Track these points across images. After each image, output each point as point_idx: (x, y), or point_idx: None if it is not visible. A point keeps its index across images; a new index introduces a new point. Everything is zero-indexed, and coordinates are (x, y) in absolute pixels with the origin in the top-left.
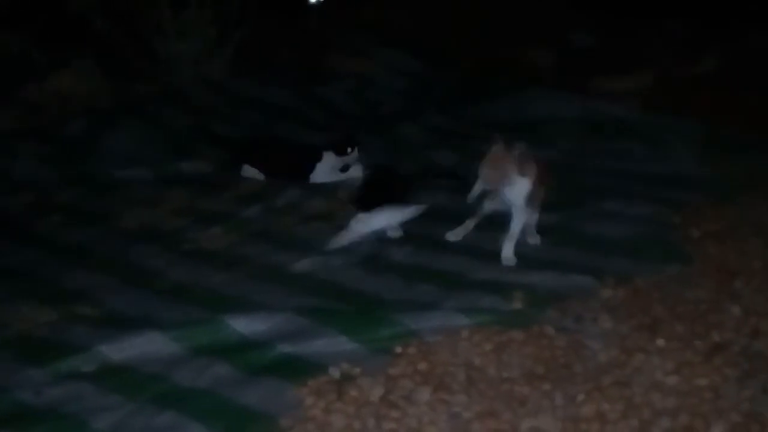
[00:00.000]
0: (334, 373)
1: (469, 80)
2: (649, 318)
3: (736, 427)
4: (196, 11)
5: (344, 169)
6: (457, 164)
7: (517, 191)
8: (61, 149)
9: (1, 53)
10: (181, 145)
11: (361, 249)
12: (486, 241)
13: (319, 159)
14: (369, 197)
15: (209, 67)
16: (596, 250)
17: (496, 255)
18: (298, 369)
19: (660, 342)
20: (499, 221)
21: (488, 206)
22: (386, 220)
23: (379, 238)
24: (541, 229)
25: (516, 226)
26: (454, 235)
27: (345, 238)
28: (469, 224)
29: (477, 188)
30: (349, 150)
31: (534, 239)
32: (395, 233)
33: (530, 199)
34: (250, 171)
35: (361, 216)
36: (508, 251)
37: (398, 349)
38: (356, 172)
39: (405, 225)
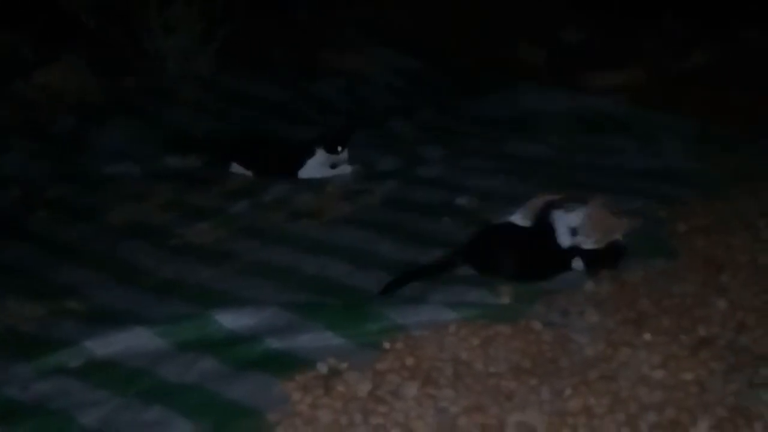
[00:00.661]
0: (322, 368)
1: (461, 77)
2: (635, 312)
3: (721, 421)
4: (184, 7)
5: (334, 165)
6: (443, 159)
7: None
8: (49, 145)
9: None
10: (169, 141)
11: (348, 243)
12: None
13: (310, 154)
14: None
15: (198, 63)
16: None
17: None
18: (285, 364)
19: (646, 336)
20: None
21: None
22: None
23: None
24: None
25: None
26: None
27: None
28: None
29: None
30: (339, 149)
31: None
32: None
33: None
34: (238, 168)
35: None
36: None
37: (386, 344)
38: (345, 169)
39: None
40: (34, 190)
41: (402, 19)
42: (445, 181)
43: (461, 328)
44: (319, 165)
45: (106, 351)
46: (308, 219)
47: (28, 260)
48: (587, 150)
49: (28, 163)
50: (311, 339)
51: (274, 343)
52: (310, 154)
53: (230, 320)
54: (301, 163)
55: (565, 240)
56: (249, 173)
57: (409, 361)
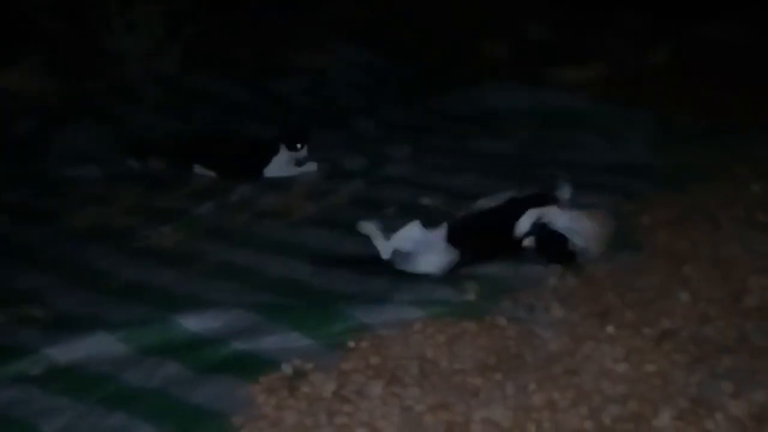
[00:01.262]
0: (287, 369)
1: (426, 74)
2: (600, 306)
3: (683, 412)
4: (145, 6)
5: (299, 163)
6: (408, 157)
7: None
8: (9, 148)
9: None
10: (132, 143)
11: (312, 244)
12: None
13: (274, 152)
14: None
15: (160, 63)
16: None
17: None
18: (250, 366)
19: (610, 329)
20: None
21: None
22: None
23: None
24: None
25: None
26: None
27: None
28: None
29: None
30: (298, 146)
31: None
32: None
33: None
34: (201, 169)
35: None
36: None
37: (351, 344)
38: (311, 167)
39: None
40: None
41: (366, 16)
42: (411, 179)
43: (427, 326)
44: (284, 163)
45: (68, 357)
46: (273, 219)
47: None
48: (551, 145)
49: None
50: (276, 340)
51: (239, 345)
52: (275, 152)
53: (194, 323)
54: (265, 162)
55: (523, 228)
56: (212, 174)
57: (375, 360)
